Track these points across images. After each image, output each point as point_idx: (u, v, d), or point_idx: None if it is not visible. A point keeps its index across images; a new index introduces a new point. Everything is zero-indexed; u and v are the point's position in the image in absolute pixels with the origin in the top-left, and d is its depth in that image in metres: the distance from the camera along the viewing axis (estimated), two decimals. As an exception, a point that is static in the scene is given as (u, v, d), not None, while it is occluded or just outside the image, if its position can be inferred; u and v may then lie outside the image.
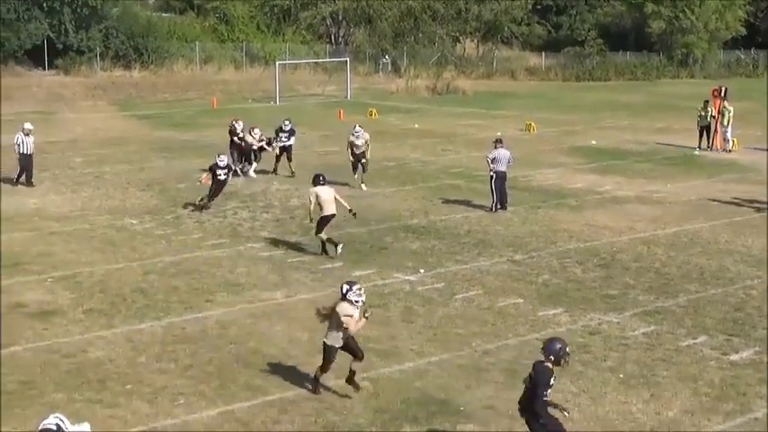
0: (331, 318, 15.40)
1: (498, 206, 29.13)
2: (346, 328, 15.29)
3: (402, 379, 16.59)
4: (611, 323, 19.58)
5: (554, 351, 12.65)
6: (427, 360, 17.43)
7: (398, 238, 26.17)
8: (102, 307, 20.24)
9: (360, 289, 15.45)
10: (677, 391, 16.16)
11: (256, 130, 35.24)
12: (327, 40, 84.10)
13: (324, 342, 15.58)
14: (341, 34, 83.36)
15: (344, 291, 15.30)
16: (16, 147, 32.19)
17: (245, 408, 15.37)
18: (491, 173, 29.09)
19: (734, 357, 17.69)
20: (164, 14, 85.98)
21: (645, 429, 14.80)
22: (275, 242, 25.52)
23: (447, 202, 30.81)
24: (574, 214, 29.29)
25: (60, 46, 68.99)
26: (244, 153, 34.86)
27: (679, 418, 15.15)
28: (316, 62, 76.16)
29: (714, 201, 31.57)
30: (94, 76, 67.48)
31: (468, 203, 30.50)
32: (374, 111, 55.65)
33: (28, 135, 32.01)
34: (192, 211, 28.36)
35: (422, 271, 23.09)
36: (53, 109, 55.62)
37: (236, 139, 34.81)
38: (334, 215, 24.33)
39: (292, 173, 34.30)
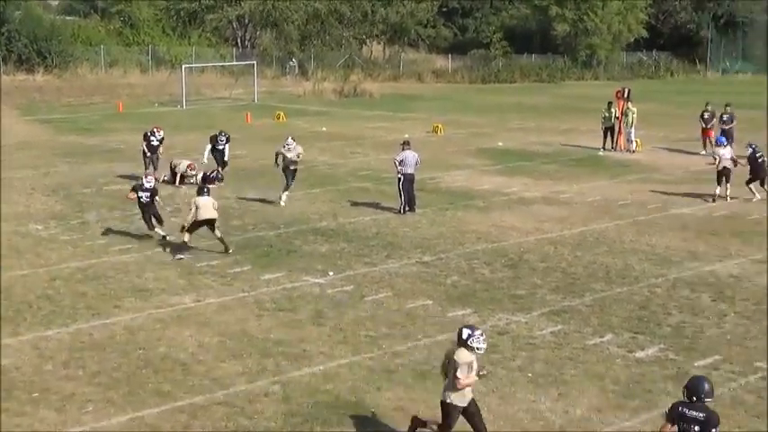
0: (448, 368, 13.47)
1: (406, 208, 29.25)
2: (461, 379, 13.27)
3: (312, 382, 16.57)
4: (520, 323, 19.75)
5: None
6: (337, 362, 17.44)
7: (307, 241, 26.15)
8: (8, 314, 19.91)
9: (482, 335, 13.38)
10: (585, 389, 16.34)
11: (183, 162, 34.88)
12: (233, 43, 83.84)
13: (443, 401, 13.53)
14: (247, 37, 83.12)
15: (465, 336, 13.26)
16: None
17: (155, 414, 15.27)
18: (399, 175, 29.21)
19: (639, 354, 17.95)
20: (67, 18, 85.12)
21: (554, 428, 14.98)
22: (182, 247, 25.35)
23: (355, 204, 30.86)
24: (481, 215, 29.51)
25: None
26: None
27: (587, 415, 15.33)
28: (222, 65, 75.89)
29: (617, 202, 32.01)
30: (-2, 80, 66.48)
31: (376, 206, 30.57)
32: (282, 114, 55.58)
33: None
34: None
35: (331, 273, 23.10)
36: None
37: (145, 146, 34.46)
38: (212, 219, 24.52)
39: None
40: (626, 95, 43.95)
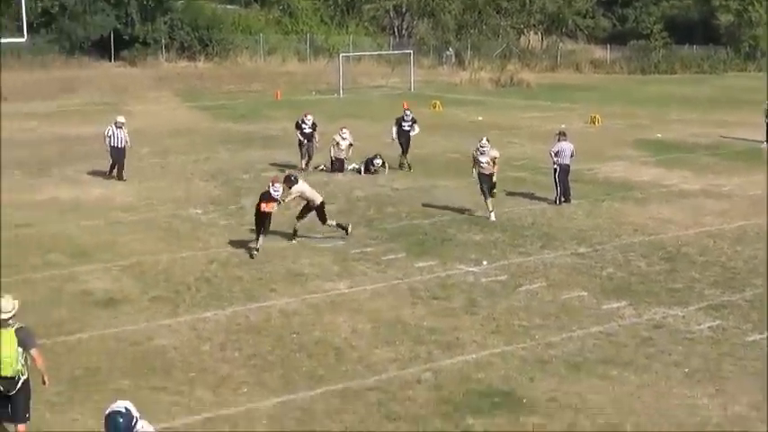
0: None
1: (562, 199, 29.07)
2: None
3: (464, 370, 16.56)
4: (676, 317, 19.44)
5: None
6: (490, 351, 17.38)
7: (462, 230, 26.15)
8: (167, 295, 20.42)
9: None
10: (744, 386, 15.99)
11: (345, 132, 34.37)
12: (391, 32, 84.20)
13: None
14: (404, 26, 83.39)
15: None
16: (107, 139, 32.21)
17: (308, 397, 15.43)
18: (555, 165, 29.10)
19: (752, 337, 17.54)
20: (228, 7, 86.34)
21: (711, 424, 14.69)
22: (336, 233, 25.55)
23: (511, 194, 30.69)
24: (639, 207, 29.12)
25: (126, 37, 69.61)
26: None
27: (746, 413, 14.99)
28: (379, 54, 76.24)
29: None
30: (159, 68, 67.97)
31: (531, 196, 30.43)
32: (438, 103, 55.68)
33: (120, 128, 32.04)
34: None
35: (485, 263, 23.06)
36: (119, 100, 56.12)
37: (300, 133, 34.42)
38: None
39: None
40: (791, 88, 42.86)
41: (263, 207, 23.02)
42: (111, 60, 69.41)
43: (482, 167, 27.04)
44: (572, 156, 29.29)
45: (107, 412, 9.88)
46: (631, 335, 18.41)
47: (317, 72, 69.05)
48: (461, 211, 28.45)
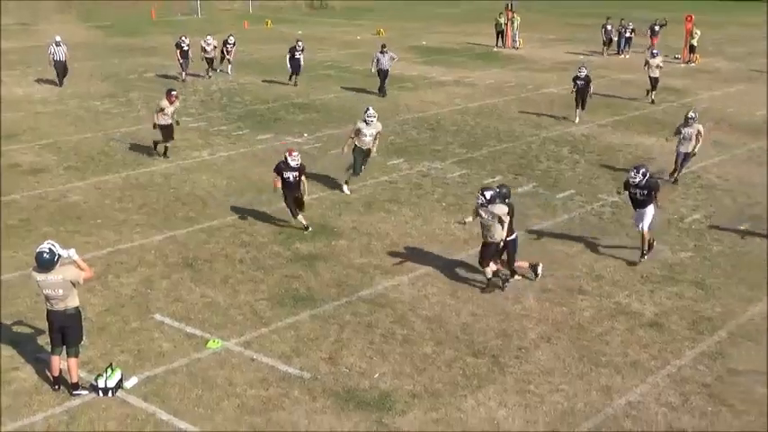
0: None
1: (382, 91, 28.73)
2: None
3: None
4: (437, 168, 19.93)
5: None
6: (311, 197, 17.44)
7: (289, 113, 25.97)
8: (77, 165, 19.82)
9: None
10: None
11: (209, 38, 31.92)
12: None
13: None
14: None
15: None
16: (50, 56, 29.83)
17: (184, 233, 15.39)
18: (373, 69, 28.78)
19: (520, 190, 18.21)
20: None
21: (460, 238, 15.27)
22: (201, 117, 25.11)
23: (323, 86, 30.52)
24: (410, 93, 29.31)
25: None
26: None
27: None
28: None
29: (506, 83, 31.96)
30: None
31: (339, 87, 30.29)
32: (269, 21, 54.41)
33: (59, 45, 29.71)
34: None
35: (305, 135, 23.04)
36: (32, 21, 53.05)
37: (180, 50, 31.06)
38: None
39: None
40: (511, 7, 43.40)
41: (287, 177, 15.24)
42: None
43: (363, 141, 17.51)
44: (391, 60, 28.86)
45: (36, 252, 9.71)
46: (407, 181, 18.83)
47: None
48: (287, 97, 28.21)
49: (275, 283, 13.21)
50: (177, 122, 20.84)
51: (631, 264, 14.24)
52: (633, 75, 33.48)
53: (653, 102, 28.26)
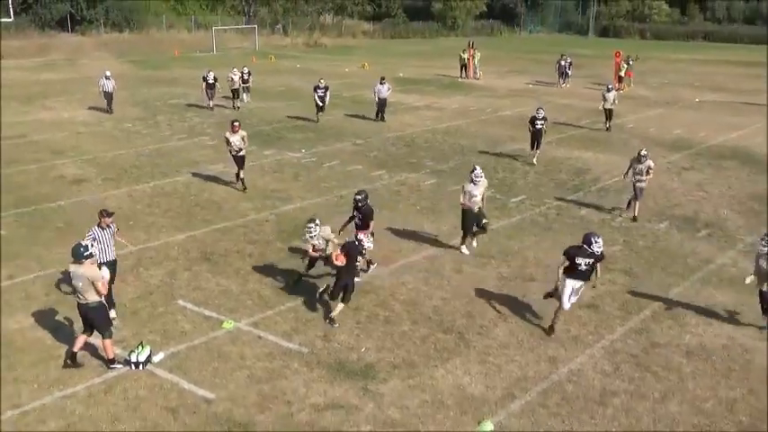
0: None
1: (379, 116, 27.90)
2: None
3: (293, 213, 16.62)
4: (412, 178, 19.86)
5: None
6: (308, 201, 17.49)
7: (290, 132, 25.79)
8: (112, 176, 19.60)
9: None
10: (448, 214, 16.54)
11: (235, 70, 31.00)
12: (244, 14, 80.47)
13: None
14: (251, 10, 79.59)
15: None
16: (100, 87, 29.12)
17: (202, 232, 15.26)
18: (376, 97, 27.98)
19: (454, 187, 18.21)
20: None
21: (430, 236, 15.22)
22: (217, 136, 24.90)
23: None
24: (390, 116, 28.99)
25: (78, 17, 64.56)
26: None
27: (449, 230, 15.60)
28: (237, 28, 73.12)
29: (469, 108, 31.93)
30: (99, 37, 63.23)
31: (331, 111, 30.00)
32: (272, 56, 54.19)
33: (108, 79, 29.05)
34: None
35: (303, 150, 22.93)
36: (74, 58, 52.54)
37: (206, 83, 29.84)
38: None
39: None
40: (473, 45, 43.45)
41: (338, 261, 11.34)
42: (69, 32, 64.26)
43: (473, 202, 13.69)
44: (388, 91, 28.10)
45: (74, 246, 9.64)
46: (387, 189, 18.76)
47: (200, 39, 65.69)
48: (291, 119, 28.07)
49: (278, 274, 13.12)
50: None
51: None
52: (571, 100, 33.60)
53: (608, 129, 26.55)
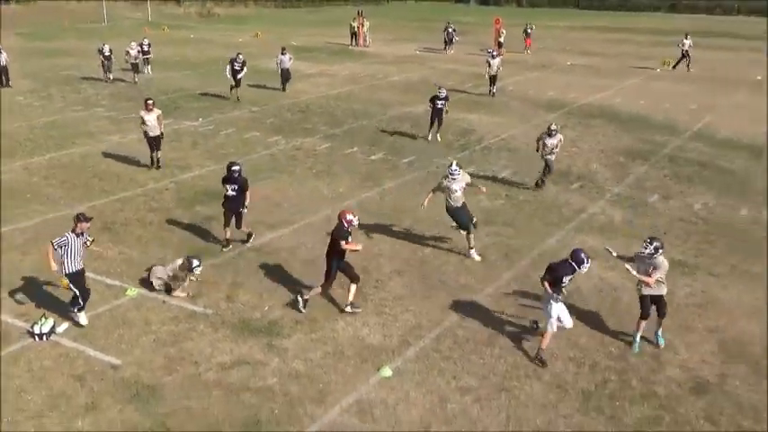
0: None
1: (284, 87, 26.95)
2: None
3: (193, 181, 16.30)
4: (308, 142, 19.77)
5: None
6: (206, 169, 17.16)
7: (187, 101, 25.06)
8: (7, 149, 18.56)
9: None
10: (343, 176, 16.68)
11: (133, 44, 29.15)
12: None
13: None
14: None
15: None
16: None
17: (102, 203, 14.77)
18: (278, 67, 27.15)
19: (373, 157, 18.38)
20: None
21: (330, 196, 15.29)
22: (112, 107, 23.95)
23: (215, 80, 29.50)
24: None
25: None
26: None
27: (347, 192, 15.71)
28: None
29: (359, 74, 31.90)
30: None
31: (227, 80, 29.33)
32: (165, 27, 52.20)
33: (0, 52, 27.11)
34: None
35: (200, 119, 22.39)
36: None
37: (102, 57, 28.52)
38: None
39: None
40: (362, 14, 43.27)
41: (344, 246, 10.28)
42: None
43: (454, 197, 12.39)
44: (290, 60, 27.02)
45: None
46: (284, 154, 18.63)
47: (91, 8, 62.35)
48: (185, 90, 27.25)
49: (180, 240, 12.89)
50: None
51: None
52: (456, 66, 34.12)
53: (493, 95, 26.34)
